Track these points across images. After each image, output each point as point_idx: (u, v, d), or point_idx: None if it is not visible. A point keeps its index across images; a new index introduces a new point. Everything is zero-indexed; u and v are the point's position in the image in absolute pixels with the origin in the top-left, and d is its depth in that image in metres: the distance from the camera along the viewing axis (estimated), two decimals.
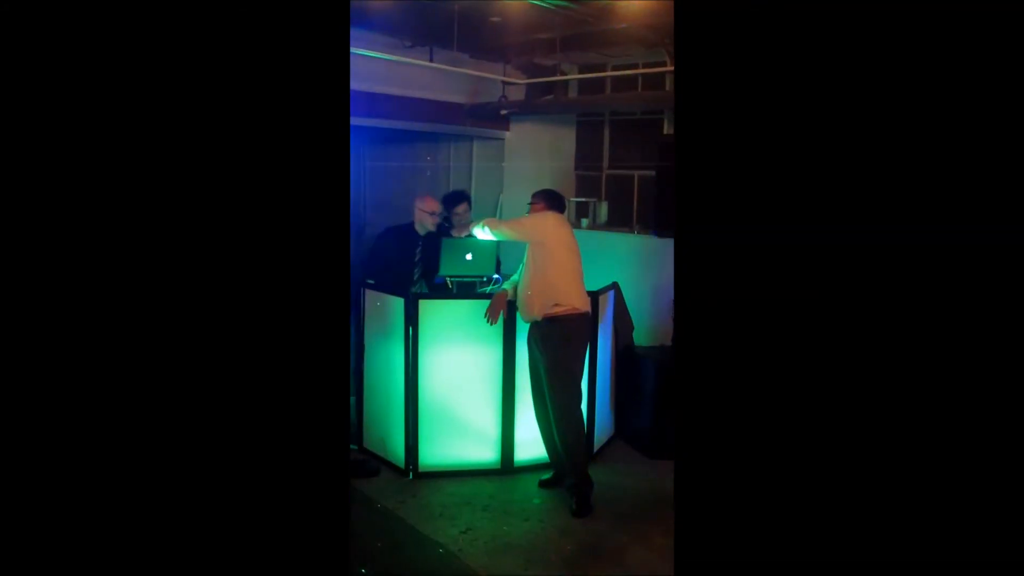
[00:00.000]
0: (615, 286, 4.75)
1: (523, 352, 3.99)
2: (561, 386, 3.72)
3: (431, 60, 5.05)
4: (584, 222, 5.78)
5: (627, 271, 5.23)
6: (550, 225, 3.78)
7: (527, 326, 3.90)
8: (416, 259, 4.62)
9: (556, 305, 3.69)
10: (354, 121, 3.96)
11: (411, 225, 4.65)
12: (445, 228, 4.64)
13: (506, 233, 3.86)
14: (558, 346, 3.71)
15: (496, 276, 4.29)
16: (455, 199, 4.64)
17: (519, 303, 3.87)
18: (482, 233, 3.90)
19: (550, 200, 3.94)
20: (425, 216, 4.53)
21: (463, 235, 4.04)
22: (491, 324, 3.92)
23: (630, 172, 5.90)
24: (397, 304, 4.03)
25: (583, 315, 3.79)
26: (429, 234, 4.56)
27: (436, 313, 4.00)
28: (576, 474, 3.73)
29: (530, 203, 4.00)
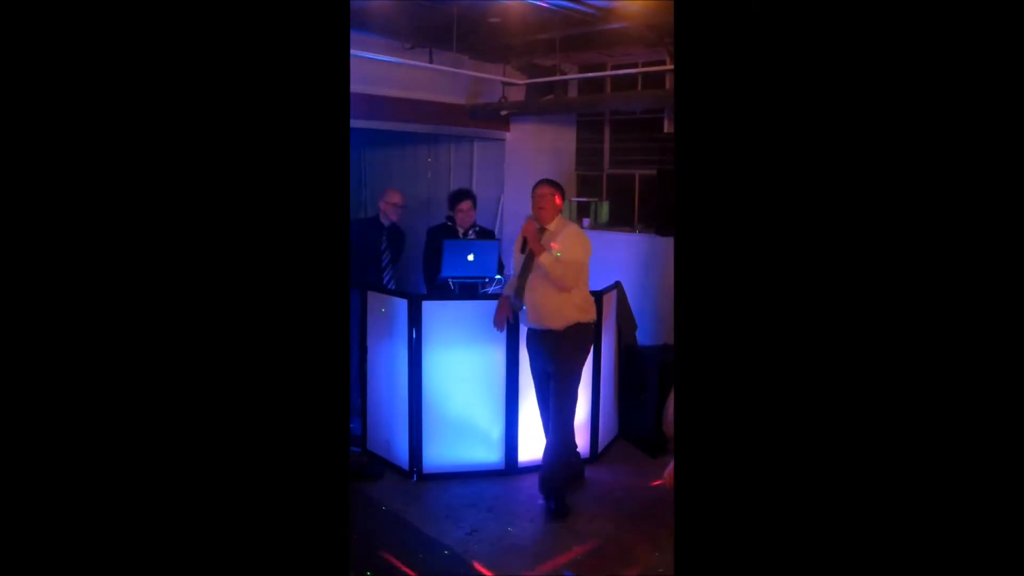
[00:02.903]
0: (618, 285, 4.75)
1: (526, 354, 3.97)
2: (565, 391, 3.76)
3: (431, 61, 5.06)
4: (586, 222, 5.78)
5: (629, 270, 5.22)
6: (581, 240, 3.79)
7: (528, 329, 3.89)
8: (383, 247, 4.83)
9: (569, 315, 3.70)
10: (354, 123, 3.97)
11: (376, 218, 4.90)
12: (450, 227, 4.67)
13: (577, 272, 3.72)
14: (568, 355, 3.74)
15: (498, 277, 4.29)
16: (458, 197, 4.74)
17: (529, 310, 3.80)
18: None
19: (560, 188, 3.87)
20: (390, 208, 4.85)
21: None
22: (499, 331, 3.93)
23: (631, 171, 5.89)
24: (400, 306, 4.03)
25: (591, 324, 3.85)
26: (392, 224, 4.87)
27: (439, 315, 4.00)
28: (557, 475, 3.76)
29: (537, 191, 3.81)
